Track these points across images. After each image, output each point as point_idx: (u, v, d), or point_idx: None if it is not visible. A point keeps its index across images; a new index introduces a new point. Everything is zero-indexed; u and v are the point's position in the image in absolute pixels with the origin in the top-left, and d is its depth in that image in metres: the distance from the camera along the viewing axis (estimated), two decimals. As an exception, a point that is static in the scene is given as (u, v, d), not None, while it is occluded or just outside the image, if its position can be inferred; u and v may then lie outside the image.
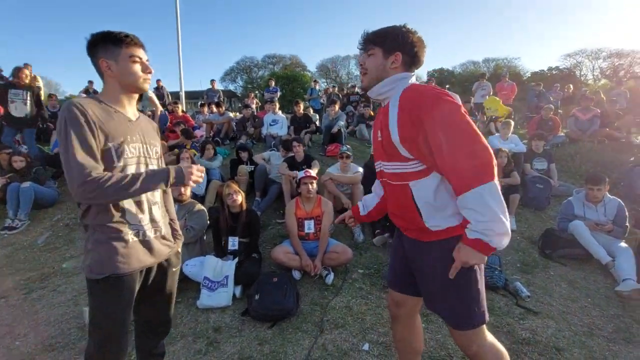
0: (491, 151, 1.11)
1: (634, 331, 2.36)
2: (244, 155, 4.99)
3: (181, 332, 2.40)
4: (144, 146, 1.39)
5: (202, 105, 8.27)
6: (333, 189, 3.93)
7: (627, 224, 3.31)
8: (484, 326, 1.30)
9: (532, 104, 9.84)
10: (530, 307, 2.59)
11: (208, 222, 3.38)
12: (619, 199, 3.42)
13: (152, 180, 1.24)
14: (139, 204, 1.34)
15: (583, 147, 6.11)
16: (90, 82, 10.15)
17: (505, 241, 1.10)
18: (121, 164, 1.28)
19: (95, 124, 1.21)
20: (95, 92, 9.96)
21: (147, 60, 1.37)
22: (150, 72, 1.35)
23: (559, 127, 6.74)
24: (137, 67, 1.31)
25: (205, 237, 3.46)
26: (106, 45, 1.28)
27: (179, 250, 1.59)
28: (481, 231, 1.09)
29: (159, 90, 10.47)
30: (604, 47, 30.49)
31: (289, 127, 6.85)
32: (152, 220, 1.39)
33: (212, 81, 10.31)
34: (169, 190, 1.60)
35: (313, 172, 3.52)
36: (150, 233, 1.37)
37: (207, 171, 4.73)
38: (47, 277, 3.22)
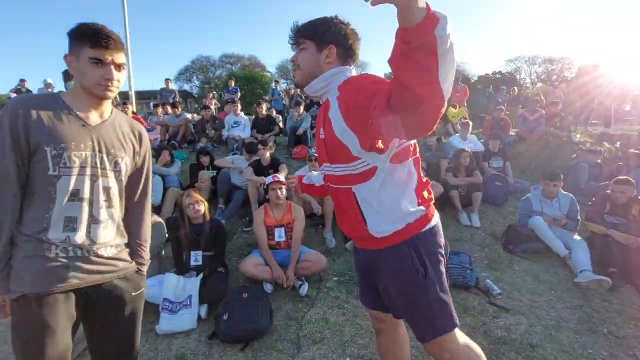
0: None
1: (596, 321, 2.50)
2: (205, 159, 4.67)
3: (138, 365, 2.10)
4: (98, 156, 1.21)
5: (156, 105, 7.66)
6: (303, 194, 3.78)
7: (579, 217, 3.55)
8: (455, 331, 1.23)
9: (483, 105, 10.46)
10: (502, 305, 2.65)
11: (167, 235, 3.07)
12: (570, 194, 3.65)
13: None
14: (70, 221, 1.17)
15: (531, 145, 6.56)
16: (23, 81, 9.02)
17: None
18: (56, 172, 1.13)
19: (25, 124, 1.09)
20: (28, 91, 8.88)
21: (120, 65, 1.19)
22: (110, 80, 1.17)
23: (509, 126, 7.19)
24: (95, 72, 1.15)
25: (163, 252, 3.14)
26: (73, 40, 1.16)
27: (140, 271, 1.37)
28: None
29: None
30: (538, 54, 33.68)
31: (251, 129, 6.57)
32: (90, 239, 1.21)
33: (167, 80, 9.64)
34: (145, 209, 1.42)
35: (281, 176, 3.34)
36: (82, 252, 1.19)
37: (164, 178, 4.35)
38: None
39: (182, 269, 2.85)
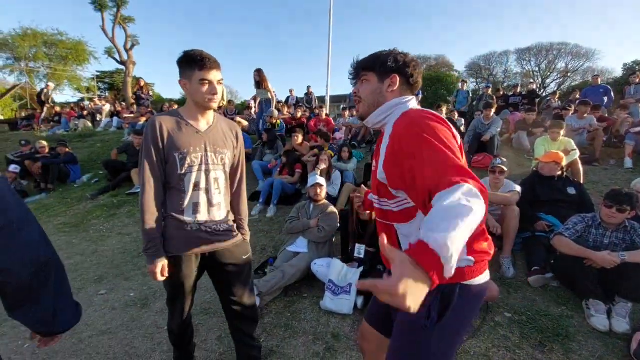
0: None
1: None
2: None
3: (303, 329, 2.49)
4: (208, 154, 1.57)
5: (344, 109, 8.66)
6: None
7: None
8: None
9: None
10: None
11: (338, 224, 3.44)
12: None
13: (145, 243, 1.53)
14: (195, 205, 1.57)
15: None
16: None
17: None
18: (183, 171, 1.52)
19: (161, 138, 1.48)
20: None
21: (219, 81, 1.51)
22: (214, 94, 1.49)
23: None
24: (205, 89, 1.48)
25: (334, 239, 3.54)
26: (184, 67, 1.48)
27: (245, 240, 1.80)
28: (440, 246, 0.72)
29: (308, 95, 11.64)
30: None
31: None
32: (210, 218, 1.61)
33: (355, 85, 10.67)
34: (243, 192, 1.82)
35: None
36: (206, 227, 1.60)
37: (342, 173, 4.87)
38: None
39: (347, 258, 3.13)
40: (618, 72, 23.75)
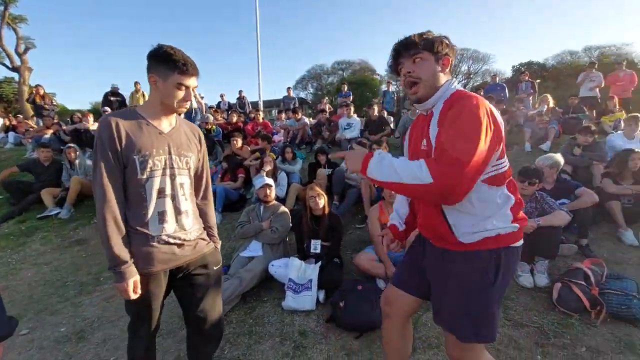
0: (483, 159, 1.08)
1: None
2: (323, 158, 5.02)
3: (268, 332, 2.43)
4: (173, 157, 1.44)
5: (280, 112, 8.66)
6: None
7: None
8: (484, 346, 1.32)
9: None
10: (693, 351, 2.01)
11: (291, 224, 3.43)
12: None
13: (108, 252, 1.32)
14: (161, 214, 1.42)
15: None
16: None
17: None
18: (144, 176, 1.37)
19: (119, 139, 1.31)
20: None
21: (194, 88, 1.43)
22: (188, 100, 1.42)
23: None
24: (180, 94, 1.39)
25: (288, 239, 3.52)
26: (160, 64, 1.34)
27: (216, 248, 1.69)
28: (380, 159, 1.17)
29: (241, 100, 11.35)
30: None
31: (362, 131, 6.73)
32: (179, 227, 1.47)
33: (289, 89, 10.78)
34: (209, 198, 1.71)
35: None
36: (174, 240, 1.45)
37: (287, 175, 4.87)
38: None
39: (303, 255, 3.15)
40: (508, 73, 27.98)
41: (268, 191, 3.31)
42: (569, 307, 2.42)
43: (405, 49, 1.24)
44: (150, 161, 1.37)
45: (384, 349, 1.67)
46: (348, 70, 34.82)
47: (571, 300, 2.42)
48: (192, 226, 1.53)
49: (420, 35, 1.24)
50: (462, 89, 1.26)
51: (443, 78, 1.25)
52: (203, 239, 1.60)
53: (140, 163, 1.35)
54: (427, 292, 1.42)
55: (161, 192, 1.41)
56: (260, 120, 7.78)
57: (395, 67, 1.30)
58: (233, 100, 12.00)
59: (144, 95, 8.85)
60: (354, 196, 4.37)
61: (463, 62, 31.50)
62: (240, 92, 11.25)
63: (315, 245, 3.16)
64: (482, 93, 9.76)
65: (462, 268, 1.24)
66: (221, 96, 11.71)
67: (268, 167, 4.49)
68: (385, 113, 9.05)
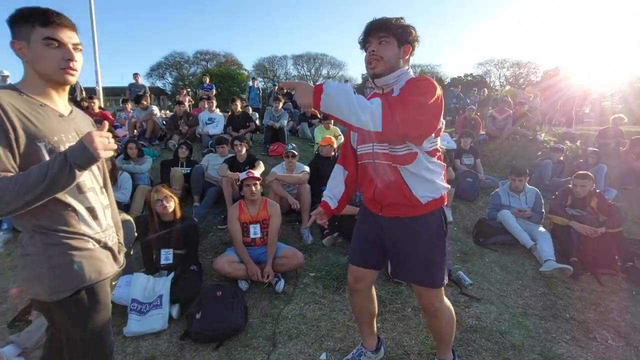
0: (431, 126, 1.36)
1: (559, 307, 2.63)
2: (185, 152, 4.56)
3: (104, 369, 1.99)
4: None
5: (125, 101, 7.31)
6: (279, 190, 3.74)
7: (543, 210, 3.73)
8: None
9: (452, 106, 10.81)
10: (473, 295, 2.73)
11: (136, 234, 2.93)
12: (536, 189, 3.84)
13: (47, 172, 0.98)
14: (91, 210, 1.19)
15: (500, 143, 6.84)
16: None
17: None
18: None
19: (14, 122, 1.00)
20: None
21: (76, 46, 1.11)
22: (70, 60, 1.10)
23: (480, 126, 7.45)
24: (54, 54, 1.08)
25: (132, 252, 3.00)
26: (20, 26, 1.07)
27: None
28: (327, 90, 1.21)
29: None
30: (507, 57, 35.17)
31: (226, 127, 6.43)
32: (107, 224, 1.28)
33: (136, 75, 9.23)
34: (112, 193, 1.41)
35: (257, 172, 3.28)
36: (110, 237, 1.28)
37: (133, 175, 4.17)
38: None
39: (152, 268, 2.74)
40: (359, 80, 32.18)
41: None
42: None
43: (376, 30, 1.38)
44: (61, 148, 1.08)
45: (356, 317, 1.92)
46: (212, 62, 32.88)
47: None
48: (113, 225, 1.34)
49: (395, 19, 1.39)
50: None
51: (402, 63, 1.43)
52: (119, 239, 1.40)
53: (48, 152, 1.06)
54: (382, 262, 1.71)
55: (82, 187, 1.17)
56: (96, 109, 6.40)
57: (363, 43, 1.43)
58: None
59: None
60: (214, 195, 4.12)
61: (323, 66, 34.51)
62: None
63: (167, 256, 2.79)
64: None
65: (424, 227, 1.50)
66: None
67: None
68: (250, 109, 8.96)
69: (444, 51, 62.12)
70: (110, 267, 1.25)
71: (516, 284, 2.96)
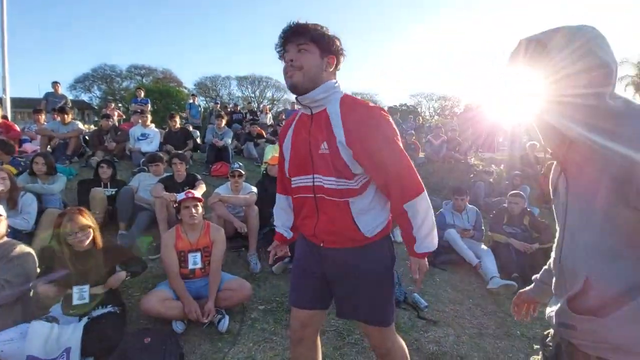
0: None
1: (509, 324, 2.69)
2: (107, 171, 3.90)
3: None
4: None
5: (37, 111, 6.23)
6: (224, 213, 3.38)
7: (483, 227, 3.94)
8: None
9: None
10: (430, 318, 2.67)
11: (38, 270, 2.34)
12: (475, 207, 4.06)
13: None
14: None
15: (438, 166, 7.32)
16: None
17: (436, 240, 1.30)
18: None
19: None
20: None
21: None
22: None
23: (419, 149, 7.94)
24: None
25: (32, 294, 2.38)
26: None
27: None
28: (426, 245, 1.26)
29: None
30: (435, 91, 39.29)
31: (162, 144, 5.85)
32: None
33: (55, 83, 8.06)
34: None
35: (197, 192, 2.92)
36: None
37: (40, 197, 3.46)
38: None
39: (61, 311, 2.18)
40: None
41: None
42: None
43: (293, 36, 1.21)
44: None
45: None
46: (148, 78, 30.93)
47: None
48: None
49: (313, 25, 1.22)
50: (349, 93, 1.32)
51: (326, 76, 1.25)
52: None
53: None
54: (328, 300, 1.46)
55: None
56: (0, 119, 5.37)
57: (281, 52, 1.25)
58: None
59: None
60: (146, 221, 3.59)
61: (268, 88, 34.73)
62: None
63: (82, 294, 2.25)
64: (284, 116, 10.84)
65: (368, 261, 1.32)
66: None
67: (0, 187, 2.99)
68: (191, 127, 8.40)
69: (379, 81, 67.21)
70: None
71: (468, 303, 2.99)
